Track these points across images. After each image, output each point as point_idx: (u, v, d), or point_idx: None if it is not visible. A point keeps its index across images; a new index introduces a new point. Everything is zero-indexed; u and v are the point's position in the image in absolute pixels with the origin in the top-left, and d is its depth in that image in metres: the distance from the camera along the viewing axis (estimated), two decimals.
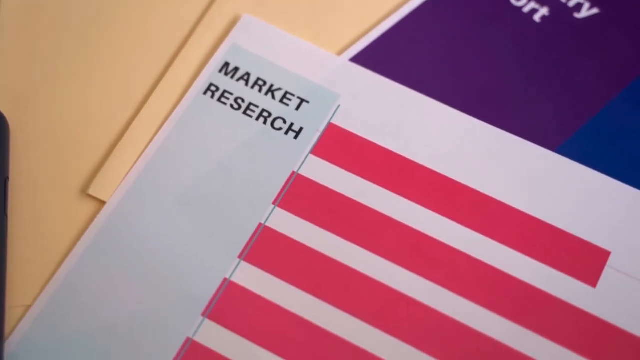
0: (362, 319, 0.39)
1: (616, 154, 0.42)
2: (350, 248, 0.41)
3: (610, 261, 0.40)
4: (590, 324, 0.39)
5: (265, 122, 0.44)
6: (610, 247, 0.41)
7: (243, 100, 0.44)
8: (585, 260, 0.40)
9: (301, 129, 0.44)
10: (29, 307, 0.40)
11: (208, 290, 0.40)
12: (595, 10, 0.46)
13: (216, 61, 0.45)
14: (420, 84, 0.44)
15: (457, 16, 0.46)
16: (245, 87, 0.45)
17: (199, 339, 0.39)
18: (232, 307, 0.40)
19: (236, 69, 0.45)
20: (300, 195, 0.42)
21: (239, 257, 0.41)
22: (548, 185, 0.42)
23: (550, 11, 0.46)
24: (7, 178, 0.42)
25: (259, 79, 0.45)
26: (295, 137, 0.43)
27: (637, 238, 0.41)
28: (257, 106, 0.44)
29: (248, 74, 0.45)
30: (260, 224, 0.42)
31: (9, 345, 0.39)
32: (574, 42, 0.45)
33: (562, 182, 0.42)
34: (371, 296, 0.40)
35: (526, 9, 0.46)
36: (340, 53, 0.45)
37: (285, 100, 0.44)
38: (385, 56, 0.45)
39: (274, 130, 0.44)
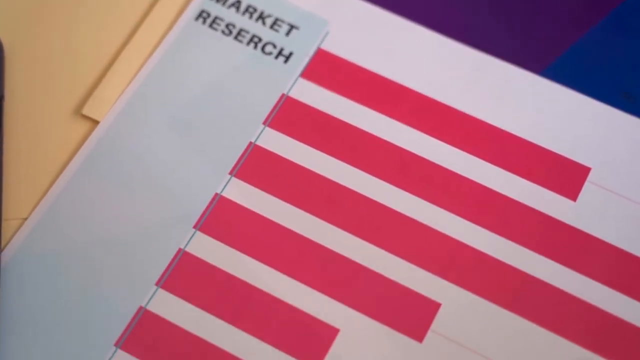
0: (350, 231, 0.41)
1: (599, 77, 0.43)
2: (338, 165, 0.42)
3: (591, 177, 0.41)
4: (570, 235, 0.40)
5: (255, 47, 0.45)
6: (591, 164, 0.42)
7: (234, 26, 0.45)
8: (566, 176, 0.41)
9: (291, 53, 0.45)
10: (24, 219, 0.41)
11: (199, 204, 0.41)
12: None
13: None
14: (407, 10, 0.45)
15: None
16: (236, 14, 0.46)
17: (190, 249, 0.40)
18: (222, 220, 0.41)
19: None
20: (289, 116, 0.43)
21: (230, 173, 0.42)
22: (532, 106, 0.43)
23: None
24: (2, 97, 0.43)
25: (249, 5, 0.46)
26: (285, 62, 0.44)
27: (617, 155, 0.42)
28: (247, 32, 0.45)
29: (239, 1, 0.46)
30: (251, 142, 0.43)
31: (5, 257, 0.40)
32: None
33: (545, 103, 0.43)
34: (358, 210, 0.41)
35: None
36: None
37: (275, 27, 0.45)
38: None
39: (264, 55, 0.45)
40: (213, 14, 0.45)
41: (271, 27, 0.45)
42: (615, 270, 0.39)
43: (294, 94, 0.44)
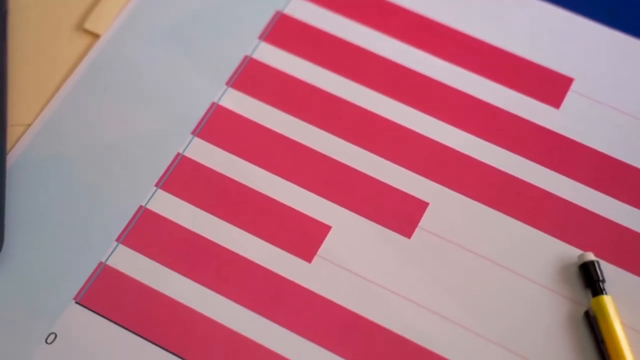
0: (342, 137, 0.42)
1: None
2: (331, 77, 0.44)
3: (574, 86, 0.43)
4: (553, 140, 0.42)
5: None
6: (574, 75, 0.43)
7: None
8: (550, 85, 0.43)
9: None
10: (29, 125, 0.43)
11: (197, 112, 0.43)
12: None
13: None
14: None
15: None
16: None
17: (188, 153, 0.42)
18: (219, 127, 0.43)
19: None
20: (285, 32, 0.45)
21: (227, 84, 0.44)
22: (519, 22, 0.45)
23: None
24: (7, 11, 0.44)
25: None
26: None
27: (599, 66, 0.43)
28: None
29: None
30: (247, 56, 0.44)
31: (10, 159, 0.42)
32: None
33: (533, 19, 0.45)
34: (350, 117, 0.43)
35: None
36: None
37: None
38: None
39: None
40: None
41: None
42: (595, 171, 0.41)
43: (290, 12, 0.45)
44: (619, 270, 0.39)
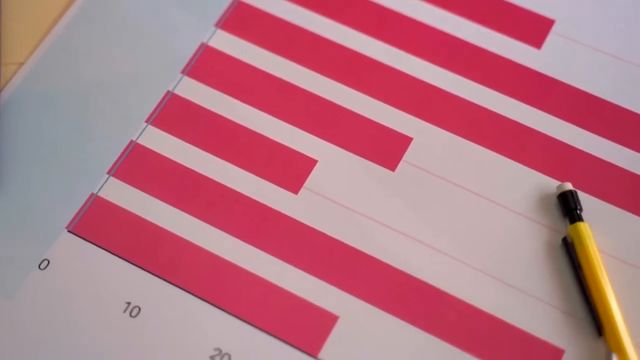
0: (329, 76, 0.43)
1: None
2: (319, 19, 0.45)
3: (555, 28, 0.44)
4: (534, 78, 0.43)
5: None
6: (555, 17, 0.44)
7: None
8: (531, 27, 0.44)
9: None
10: (21, 64, 0.44)
11: (186, 52, 0.44)
12: None
13: None
14: None
15: None
16: None
17: (178, 91, 0.43)
18: (208, 66, 0.44)
19: None
20: None
21: (216, 25, 0.45)
22: None
23: None
24: None
25: None
26: None
27: (580, 9, 0.45)
28: None
29: None
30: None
31: (3, 97, 0.43)
32: None
33: None
34: (338, 57, 0.44)
35: None
36: None
37: None
38: None
39: None
40: None
41: None
42: (574, 107, 0.42)
43: None
44: (595, 200, 0.40)
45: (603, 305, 0.37)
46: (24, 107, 0.43)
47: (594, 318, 0.37)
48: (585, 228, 0.38)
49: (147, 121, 0.42)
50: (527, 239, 0.39)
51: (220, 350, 0.37)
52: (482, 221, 0.40)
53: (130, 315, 0.38)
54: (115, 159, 0.41)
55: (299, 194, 0.41)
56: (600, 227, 0.39)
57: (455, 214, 0.40)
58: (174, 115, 0.43)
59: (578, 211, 0.39)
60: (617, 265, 0.38)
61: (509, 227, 0.39)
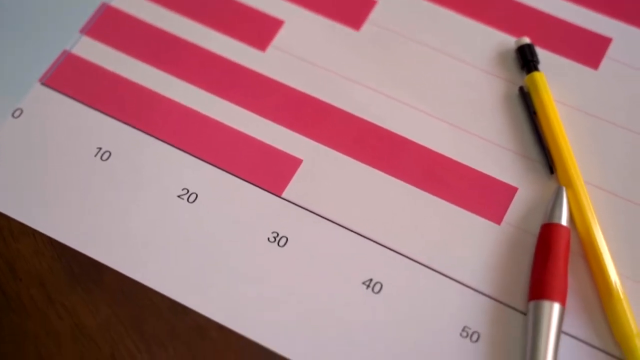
0: None
1: None
2: None
3: None
4: None
5: None
6: None
7: None
8: None
9: None
10: None
11: None
12: None
13: None
14: None
15: None
16: None
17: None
18: None
19: None
20: None
21: None
22: None
23: None
24: None
25: None
26: None
27: None
28: None
29: None
30: None
31: None
32: None
33: None
34: None
35: None
36: None
37: None
38: None
39: None
40: None
41: None
42: None
43: None
44: (551, 54, 0.41)
45: (556, 145, 0.38)
46: None
47: (546, 158, 0.38)
48: (540, 77, 0.40)
49: None
50: (486, 91, 0.41)
51: (187, 190, 0.39)
52: (443, 75, 0.41)
53: (101, 159, 0.39)
54: (87, 18, 0.43)
55: (267, 51, 0.42)
56: (555, 78, 0.40)
57: (417, 69, 0.41)
58: None
59: (535, 63, 0.40)
60: (568, 112, 0.40)
61: (469, 81, 0.41)
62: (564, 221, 0.36)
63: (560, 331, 0.34)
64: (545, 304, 0.34)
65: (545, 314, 0.34)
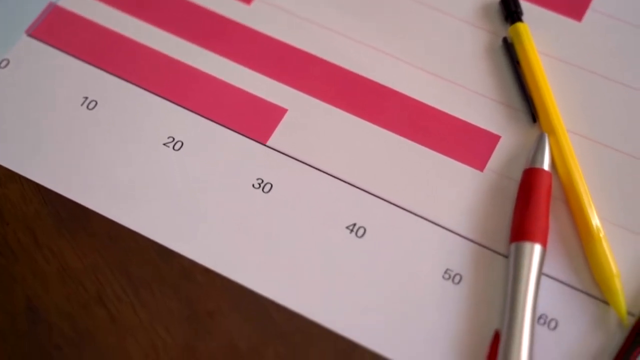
0: None
1: None
2: None
3: None
4: None
5: None
6: None
7: None
8: None
9: None
10: None
11: None
12: None
13: None
14: None
15: None
16: None
17: None
18: None
19: None
20: None
21: None
22: None
23: None
24: None
25: None
26: None
27: None
28: None
29: None
30: None
31: None
32: None
33: None
34: None
35: None
36: None
37: None
38: None
39: None
40: None
41: None
42: None
43: None
44: (534, 6, 0.41)
45: (538, 94, 0.39)
46: None
47: (529, 107, 0.39)
48: (524, 28, 0.40)
49: None
50: (470, 42, 0.41)
51: (173, 138, 0.39)
52: (427, 27, 0.41)
53: (88, 108, 0.40)
54: None
55: (252, 5, 0.42)
56: (539, 30, 0.41)
57: (401, 21, 0.41)
58: None
59: (518, 14, 0.41)
60: (551, 62, 0.40)
61: (453, 32, 0.41)
62: (546, 166, 0.37)
63: (540, 272, 0.34)
64: (526, 245, 0.35)
65: (526, 255, 0.34)
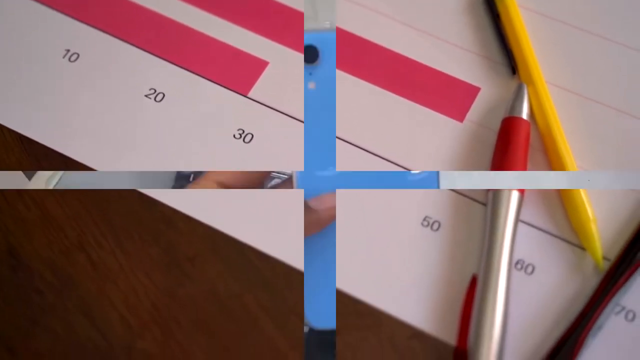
0: None
1: None
2: None
3: None
4: None
5: None
6: None
7: None
8: None
9: None
10: None
11: None
12: None
13: None
14: None
15: None
16: None
17: None
18: None
19: None
20: None
21: None
22: None
23: None
24: None
25: None
26: None
27: None
28: None
29: None
30: None
31: None
32: None
33: None
34: None
35: None
36: None
37: None
38: None
39: None
40: None
41: None
42: None
43: None
44: None
45: (518, 46, 0.39)
46: None
47: (509, 59, 0.39)
48: None
49: None
50: None
51: (155, 90, 0.39)
52: None
53: (70, 60, 0.40)
54: None
55: None
56: None
57: None
58: None
59: None
60: (531, 16, 0.40)
61: None
62: (524, 115, 0.37)
63: (518, 219, 0.35)
64: (504, 191, 0.35)
65: (504, 201, 0.35)
